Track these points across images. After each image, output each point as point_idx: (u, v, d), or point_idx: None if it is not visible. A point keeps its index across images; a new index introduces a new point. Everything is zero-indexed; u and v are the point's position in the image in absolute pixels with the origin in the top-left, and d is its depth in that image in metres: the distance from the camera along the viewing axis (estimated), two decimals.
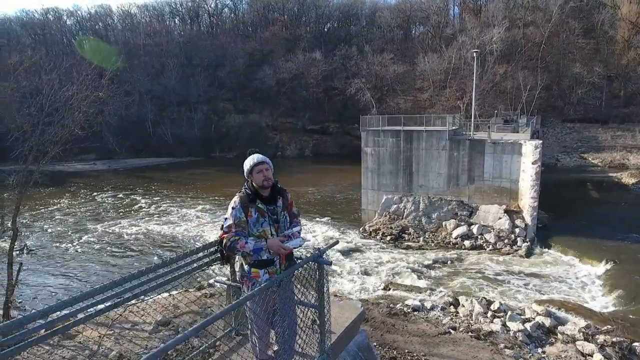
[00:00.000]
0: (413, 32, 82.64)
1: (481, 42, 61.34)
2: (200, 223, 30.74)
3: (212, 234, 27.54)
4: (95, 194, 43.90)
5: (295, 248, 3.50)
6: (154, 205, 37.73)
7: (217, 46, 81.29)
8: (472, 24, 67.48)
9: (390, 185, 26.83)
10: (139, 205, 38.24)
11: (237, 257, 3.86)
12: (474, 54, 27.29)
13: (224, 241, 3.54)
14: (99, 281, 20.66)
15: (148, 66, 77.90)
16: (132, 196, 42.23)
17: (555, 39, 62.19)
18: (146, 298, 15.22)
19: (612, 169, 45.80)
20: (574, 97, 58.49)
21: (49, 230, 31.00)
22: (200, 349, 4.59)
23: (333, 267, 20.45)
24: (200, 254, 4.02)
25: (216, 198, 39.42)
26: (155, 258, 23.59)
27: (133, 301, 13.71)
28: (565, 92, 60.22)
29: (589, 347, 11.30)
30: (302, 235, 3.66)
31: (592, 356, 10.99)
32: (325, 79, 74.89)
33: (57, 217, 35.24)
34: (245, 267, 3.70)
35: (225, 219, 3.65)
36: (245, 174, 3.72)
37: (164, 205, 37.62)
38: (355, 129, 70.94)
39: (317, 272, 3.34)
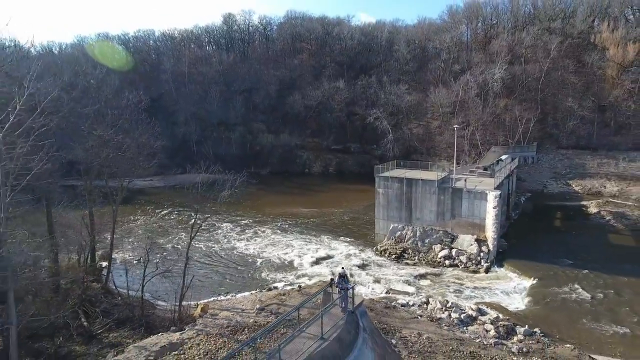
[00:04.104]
0: (429, 51, 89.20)
1: (484, 79, 70.45)
2: (254, 241, 41.27)
3: (274, 252, 38.13)
4: (158, 210, 54.89)
5: (348, 286, 14.02)
6: (205, 222, 48.30)
7: (252, 72, 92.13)
8: (479, 59, 76.49)
9: (396, 217, 36.81)
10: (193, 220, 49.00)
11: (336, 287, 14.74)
12: (459, 126, 36.91)
13: (334, 283, 14.74)
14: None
15: (193, 93, 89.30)
16: (189, 212, 52.69)
17: (553, 74, 70.27)
18: (237, 295, 29.41)
19: (590, 195, 53.99)
20: (567, 127, 66.40)
21: (135, 244, 39.92)
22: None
23: (355, 277, 30.49)
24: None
25: (259, 216, 50.07)
26: (227, 277, 34.29)
27: (228, 296, 28.41)
28: (560, 122, 68.27)
29: (490, 327, 21.20)
30: (349, 285, 14.29)
31: (489, 331, 20.90)
32: (347, 105, 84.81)
33: (139, 232, 46.13)
34: (337, 288, 14.64)
35: (334, 279, 14.72)
36: (340, 273, 14.69)
37: (216, 222, 48.46)
38: (374, 149, 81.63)
39: (352, 289, 13.64)
